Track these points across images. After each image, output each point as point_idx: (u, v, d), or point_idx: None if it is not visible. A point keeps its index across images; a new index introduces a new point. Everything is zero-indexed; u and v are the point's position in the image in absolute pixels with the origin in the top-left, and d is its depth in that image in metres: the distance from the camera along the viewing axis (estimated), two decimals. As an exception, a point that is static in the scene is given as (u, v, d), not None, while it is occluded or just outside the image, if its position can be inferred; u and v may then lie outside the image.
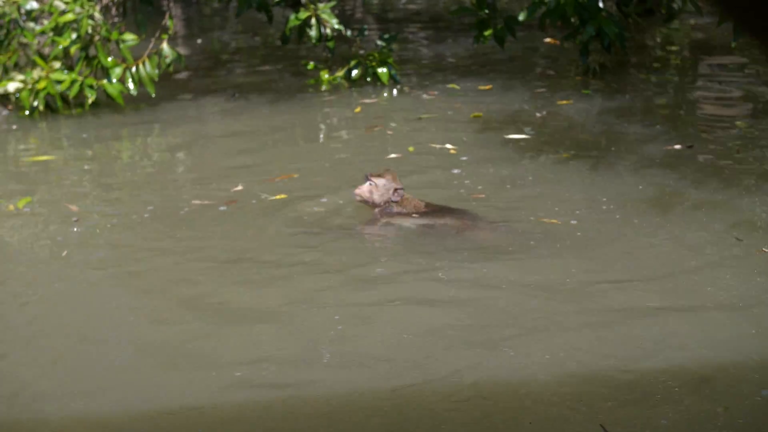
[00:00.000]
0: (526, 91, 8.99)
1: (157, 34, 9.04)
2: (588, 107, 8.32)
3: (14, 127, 8.47)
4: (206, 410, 3.74)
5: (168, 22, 9.06)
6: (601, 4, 8.95)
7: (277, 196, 6.09)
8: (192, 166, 7.17)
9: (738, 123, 7.52)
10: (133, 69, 8.67)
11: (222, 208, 5.94)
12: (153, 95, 8.77)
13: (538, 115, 8.12)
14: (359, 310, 4.48)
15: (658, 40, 11.64)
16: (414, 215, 5.55)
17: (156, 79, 8.71)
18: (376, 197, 5.62)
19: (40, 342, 4.35)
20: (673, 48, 11.31)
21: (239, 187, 6.30)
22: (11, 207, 6.18)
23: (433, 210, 5.58)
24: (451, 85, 9.32)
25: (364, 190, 5.66)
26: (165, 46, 8.76)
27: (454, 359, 4.01)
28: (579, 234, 5.33)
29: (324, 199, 6.03)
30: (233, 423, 3.67)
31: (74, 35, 8.48)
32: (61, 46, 8.53)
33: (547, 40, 11.22)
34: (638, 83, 9.15)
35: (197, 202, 6.01)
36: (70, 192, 6.49)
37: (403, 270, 4.92)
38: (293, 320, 4.42)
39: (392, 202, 5.58)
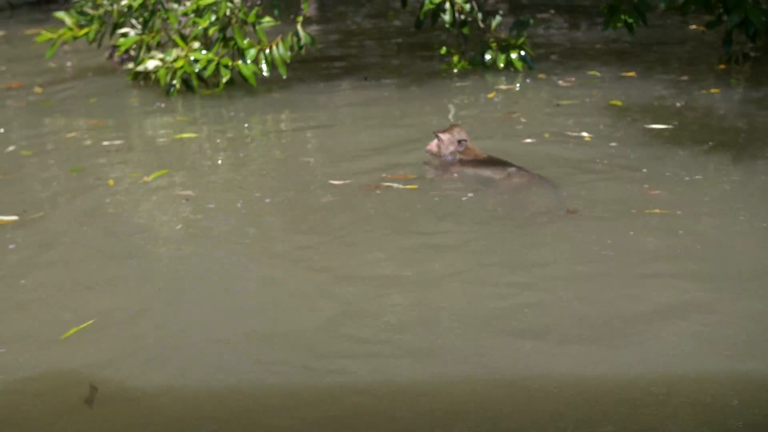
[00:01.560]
0: (667, 79, 8.58)
1: (291, 17, 9.04)
2: (731, 97, 7.87)
3: (162, 105, 8.59)
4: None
5: (303, 5, 9.05)
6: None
7: (409, 186, 5.94)
8: (323, 150, 7.02)
9: None
10: (267, 51, 8.69)
11: (376, 192, 5.78)
12: (284, 77, 8.77)
13: (678, 104, 7.73)
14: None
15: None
16: (470, 162, 6.08)
17: (288, 61, 8.68)
18: (443, 150, 6.18)
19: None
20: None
21: (371, 173, 6.19)
22: (146, 178, 6.25)
23: (491, 160, 6.04)
24: (591, 72, 8.97)
25: (432, 145, 6.24)
26: (299, 28, 8.74)
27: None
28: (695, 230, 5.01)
29: (458, 188, 5.88)
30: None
31: (213, 17, 8.54)
32: (200, 27, 8.61)
33: (693, 26, 10.74)
34: (788, 73, 8.65)
35: (328, 197, 5.83)
36: (202, 169, 6.49)
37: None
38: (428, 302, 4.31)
39: (458, 152, 6.12)
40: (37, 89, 9.52)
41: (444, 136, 6.16)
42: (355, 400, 3.62)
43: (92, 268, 4.87)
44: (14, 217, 5.57)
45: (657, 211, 5.25)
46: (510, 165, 5.91)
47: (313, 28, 12.27)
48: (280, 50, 8.63)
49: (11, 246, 5.15)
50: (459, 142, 6.12)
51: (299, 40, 8.69)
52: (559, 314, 4.17)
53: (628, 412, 3.47)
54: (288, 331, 4.14)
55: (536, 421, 3.44)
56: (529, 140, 6.76)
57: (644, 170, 5.98)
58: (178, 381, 3.79)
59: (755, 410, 3.44)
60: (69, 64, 10.88)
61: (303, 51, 8.91)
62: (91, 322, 4.25)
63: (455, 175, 6.04)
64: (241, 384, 3.75)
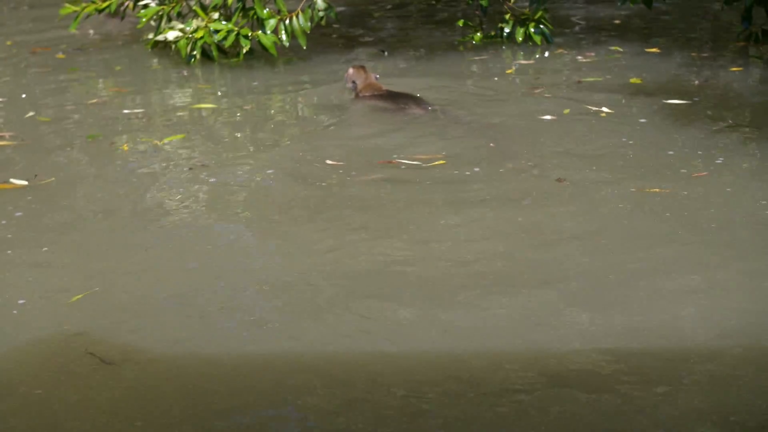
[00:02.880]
0: (687, 55, 8.17)
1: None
2: (751, 75, 7.49)
3: (185, 72, 8.24)
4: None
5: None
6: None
7: (434, 163, 5.51)
8: (340, 124, 6.65)
9: None
10: (287, 21, 8.34)
11: (393, 169, 5.50)
12: (305, 47, 8.39)
13: (697, 81, 7.36)
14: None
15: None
16: (369, 95, 6.99)
17: (308, 31, 8.31)
18: (346, 82, 7.20)
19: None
20: None
21: (388, 150, 5.82)
22: (156, 142, 5.99)
23: (389, 93, 6.90)
24: (614, 47, 8.59)
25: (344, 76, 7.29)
26: (318, -2, 8.37)
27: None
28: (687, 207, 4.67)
29: (476, 167, 5.50)
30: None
31: (233, -14, 8.20)
32: (220, -3, 8.27)
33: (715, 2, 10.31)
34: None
35: (341, 174, 5.55)
36: (217, 138, 6.18)
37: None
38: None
39: (350, 88, 7.14)
40: (60, 55, 9.22)
41: (349, 72, 7.18)
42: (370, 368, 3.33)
43: (95, 233, 4.61)
44: (24, 182, 5.31)
45: (657, 190, 4.90)
46: (402, 100, 6.70)
47: None
48: (300, 20, 8.26)
49: (18, 213, 4.88)
50: (353, 82, 7.09)
51: (319, 10, 8.33)
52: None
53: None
54: (291, 293, 3.86)
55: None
56: (548, 117, 6.40)
57: (669, 151, 5.63)
58: (185, 346, 3.55)
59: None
60: (91, 31, 10.55)
61: (323, 21, 8.55)
62: (96, 289, 3.97)
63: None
64: (251, 348, 3.53)
